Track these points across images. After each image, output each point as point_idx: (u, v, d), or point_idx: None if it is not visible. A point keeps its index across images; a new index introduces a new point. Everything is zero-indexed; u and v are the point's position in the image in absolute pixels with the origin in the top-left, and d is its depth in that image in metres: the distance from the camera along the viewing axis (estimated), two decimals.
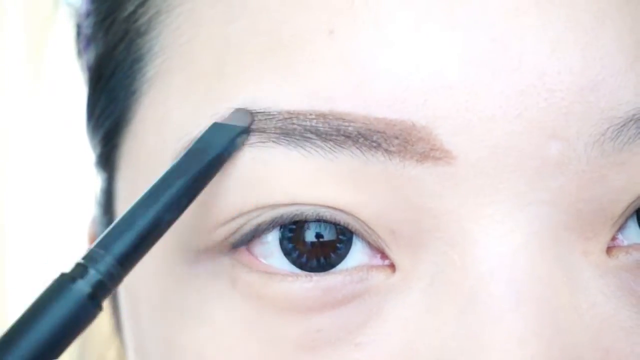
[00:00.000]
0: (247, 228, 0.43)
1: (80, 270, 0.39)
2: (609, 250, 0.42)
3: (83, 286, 0.38)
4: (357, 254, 0.43)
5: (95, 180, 0.57)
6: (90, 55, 0.53)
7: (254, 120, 0.42)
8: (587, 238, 0.42)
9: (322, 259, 0.43)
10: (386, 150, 0.41)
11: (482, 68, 0.40)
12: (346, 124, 0.41)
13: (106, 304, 0.62)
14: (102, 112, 0.51)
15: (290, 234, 0.43)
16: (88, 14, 0.53)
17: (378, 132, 0.41)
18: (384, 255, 0.43)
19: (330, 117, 0.41)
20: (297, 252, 0.43)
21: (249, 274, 0.43)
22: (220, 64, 0.44)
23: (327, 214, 0.42)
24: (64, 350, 0.38)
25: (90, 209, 0.60)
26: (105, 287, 0.39)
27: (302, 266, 0.43)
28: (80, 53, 0.59)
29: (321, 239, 0.43)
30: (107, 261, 0.39)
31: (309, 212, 0.42)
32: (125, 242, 0.39)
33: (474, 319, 0.40)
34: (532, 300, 0.40)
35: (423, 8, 0.41)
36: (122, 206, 0.50)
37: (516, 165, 0.40)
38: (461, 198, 0.41)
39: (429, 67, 0.40)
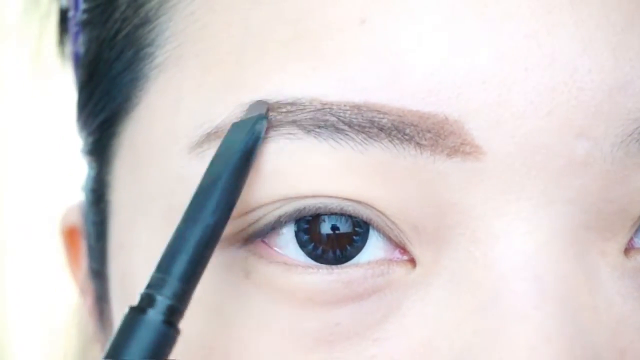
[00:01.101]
0: (267, 220, 0.42)
1: (147, 299, 0.39)
2: (626, 251, 0.42)
3: (155, 315, 0.39)
4: (373, 248, 0.43)
5: (77, 170, 0.56)
6: (84, 41, 0.52)
7: (270, 110, 0.42)
8: (605, 238, 0.42)
9: (337, 251, 0.43)
10: (418, 143, 0.40)
11: (515, 63, 0.40)
12: (380, 116, 0.40)
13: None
14: (101, 98, 0.50)
15: (306, 226, 0.43)
16: None
17: (412, 125, 0.40)
18: (403, 250, 0.43)
19: (365, 109, 0.41)
20: (312, 244, 0.43)
21: (265, 265, 0.43)
22: (240, 52, 0.43)
23: (350, 207, 0.42)
24: None
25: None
26: (176, 310, 0.39)
27: (317, 258, 0.43)
28: (64, 38, 0.58)
29: (337, 231, 0.43)
30: (171, 284, 0.39)
31: (332, 205, 0.42)
32: (184, 259, 0.40)
33: (497, 315, 0.40)
34: (556, 298, 0.40)
35: (457, 1, 0.41)
36: (118, 194, 0.49)
37: (544, 162, 0.40)
38: (487, 194, 0.41)
39: (462, 60, 0.40)
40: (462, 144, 0.40)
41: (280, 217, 0.42)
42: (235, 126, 0.42)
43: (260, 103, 0.42)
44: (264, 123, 0.41)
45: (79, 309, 0.62)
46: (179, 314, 0.39)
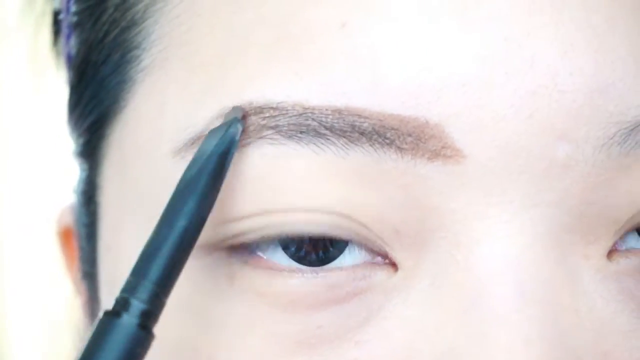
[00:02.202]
0: (252, 237, 0.42)
1: (122, 303, 0.39)
2: (610, 254, 0.42)
3: (129, 319, 0.39)
4: (356, 249, 0.43)
5: (74, 170, 0.56)
6: (74, 43, 0.52)
7: (252, 114, 0.42)
8: (588, 242, 0.42)
9: (320, 253, 0.43)
10: (399, 147, 0.40)
11: (495, 66, 0.40)
12: (361, 120, 0.40)
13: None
14: (90, 100, 0.50)
15: None
16: (74, 0, 0.52)
17: (392, 129, 0.40)
18: (384, 256, 0.42)
19: (346, 113, 0.41)
20: (295, 246, 0.43)
21: (249, 270, 0.43)
22: (224, 55, 0.43)
23: (326, 227, 0.42)
24: None
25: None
26: (151, 314, 0.39)
27: (300, 260, 0.43)
28: (57, 40, 0.58)
29: None
30: (147, 287, 0.39)
31: (309, 228, 0.42)
32: (159, 263, 0.40)
33: (478, 319, 0.40)
34: (537, 302, 0.40)
35: (437, 4, 0.41)
36: (106, 196, 0.49)
37: (524, 166, 0.40)
38: (468, 197, 0.41)
39: (442, 63, 0.40)
40: (442, 147, 0.40)
41: (263, 237, 0.42)
42: (212, 132, 0.42)
43: (236, 109, 0.42)
44: (239, 126, 0.41)
45: (76, 308, 0.62)
46: (153, 318, 0.39)
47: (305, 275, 0.42)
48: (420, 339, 0.41)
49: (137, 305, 0.39)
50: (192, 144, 0.43)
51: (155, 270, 0.40)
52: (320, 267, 0.42)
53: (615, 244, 0.42)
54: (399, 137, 0.40)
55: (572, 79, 0.40)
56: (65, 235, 0.60)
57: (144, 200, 0.45)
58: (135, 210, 0.46)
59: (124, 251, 0.47)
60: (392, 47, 0.41)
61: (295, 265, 0.42)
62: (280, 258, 0.43)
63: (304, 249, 0.43)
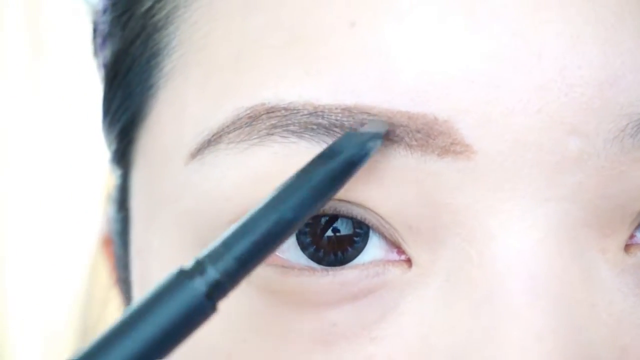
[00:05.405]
0: None
1: (199, 267, 0.38)
2: (627, 247, 0.42)
3: (200, 284, 0.37)
4: (374, 249, 0.43)
5: (109, 178, 0.57)
6: (107, 52, 0.53)
7: (389, 130, 0.41)
8: (605, 235, 0.41)
9: (339, 253, 0.43)
10: (408, 144, 0.41)
11: (503, 62, 0.40)
12: (371, 117, 0.41)
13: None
14: (119, 108, 0.51)
15: (306, 229, 0.43)
16: (105, 11, 0.54)
17: (401, 125, 0.41)
18: (400, 250, 0.43)
19: (355, 111, 0.41)
20: (314, 247, 0.43)
21: (264, 267, 0.43)
22: (238, 59, 0.44)
23: (344, 208, 0.42)
24: (172, 350, 0.37)
25: (92, 207, 0.59)
26: (222, 288, 0.38)
27: (319, 261, 0.43)
28: (96, 51, 0.59)
29: (338, 234, 0.43)
30: (227, 260, 0.38)
31: (326, 207, 0.42)
32: (247, 242, 0.38)
33: (491, 314, 0.40)
34: (550, 296, 0.40)
35: (444, 1, 0.41)
36: (136, 202, 0.50)
37: (535, 160, 0.40)
38: (480, 193, 0.41)
39: (450, 60, 0.40)
40: (452, 143, 0.40)
41: None
42: (348, 135, 0.41)
43: (380, 121, 0.41)
44: (379, 143, 0.41)
45: (76, 311, 0.63)
46: (222, 293, 0.38)
47: (316, 273, 0.42)
48: (435, 334, 0.41)
49: (212, 273, 0.37)
50: (208, 145, 0.44)
51: (241, 246, 0.38)
52: (332, 267, 0.43)
53: (632, 236, 0.42)
54: (408, 133, 0.41)
55: (581, 72, 0.40)
56: (106, 244, 0.61)
57: (167, 203, 0.46)
58: (160, 213, 0.47)
59: (152, 255, 0.48)
60: (400, 45, 0.41)
61: (311, 264, 0.43)
62: (297, 258, 0.43)
63: (322, 250, 0.43)
